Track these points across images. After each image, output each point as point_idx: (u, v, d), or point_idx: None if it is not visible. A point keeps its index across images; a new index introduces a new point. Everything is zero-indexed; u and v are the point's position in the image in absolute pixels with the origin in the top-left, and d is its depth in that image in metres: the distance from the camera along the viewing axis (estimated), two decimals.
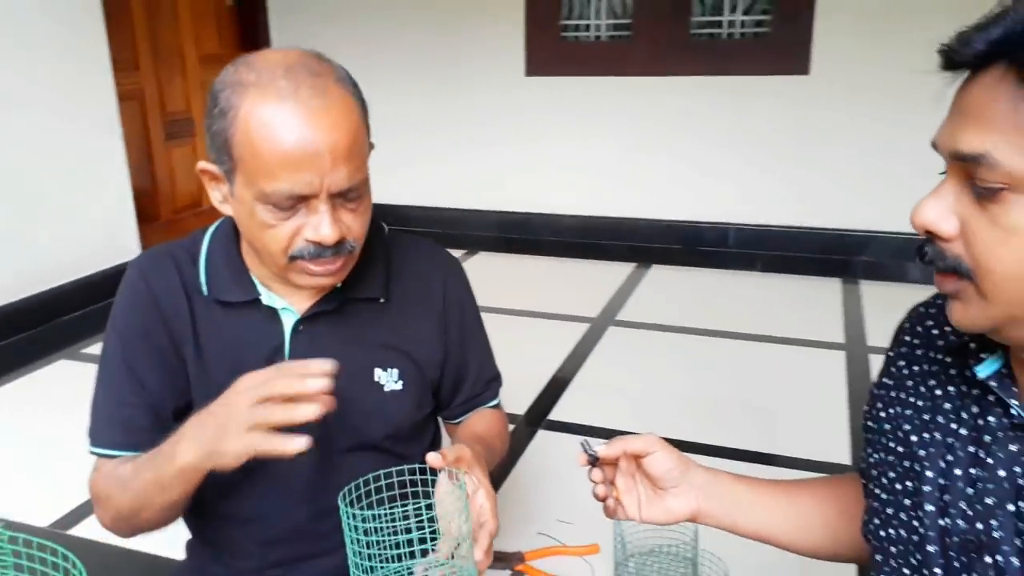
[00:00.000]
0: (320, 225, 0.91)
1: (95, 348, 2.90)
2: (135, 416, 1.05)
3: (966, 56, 0.61)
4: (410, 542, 0.87)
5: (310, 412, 0.83)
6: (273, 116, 0.87)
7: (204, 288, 1.05)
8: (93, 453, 1.06)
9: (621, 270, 3.67)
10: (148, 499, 0.97)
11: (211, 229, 1.09)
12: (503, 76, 3.92)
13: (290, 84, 0.87)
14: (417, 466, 0.92)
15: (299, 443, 0.82)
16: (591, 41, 3.85)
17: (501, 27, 3.86)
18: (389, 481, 0.91)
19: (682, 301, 3.28)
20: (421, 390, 1.14)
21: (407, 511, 0.87)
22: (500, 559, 1.61)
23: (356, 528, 0.82)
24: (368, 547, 0.83)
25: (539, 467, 1.98)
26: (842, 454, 2.02)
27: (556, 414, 2.29)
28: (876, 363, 2.04)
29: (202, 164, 0.97)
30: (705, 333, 2.93)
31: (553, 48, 3.84)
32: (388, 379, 1.09)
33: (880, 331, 2.79)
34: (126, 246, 3.31)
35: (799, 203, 3.65)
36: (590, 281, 3.53)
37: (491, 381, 1.24)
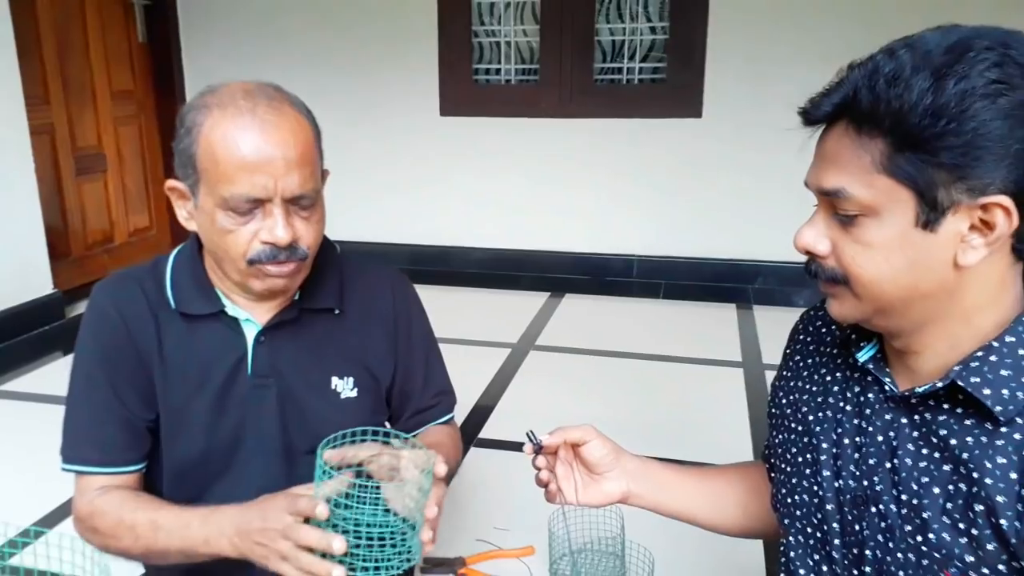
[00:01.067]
0: (275, 227, 1.00)
1: (10, 385, 2.82)
2: (109, 433, 1.10)
3: (818, 116, 0.77)
4: (363, 501, 0.94)
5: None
6: (232, 128, 0.97)
7: (172, 302, 1.10)
8: (67, 470, 1.10)
9: (536, 299, 3.82)
10: (166, 557, 1.03)
11: (175, 251, 1.16)
12: (419, 116, 4.03)
13: (248, 103, 0.98)
14: (391, 430, 1.01)
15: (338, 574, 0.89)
16: (501, 85, 4.02)
17: (416, 71, 3.98)
18: (364, 439, 0.99)
19: (594, 327, 3.45)
20: (376, 398, 1.21)
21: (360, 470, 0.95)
22: (442, 564, 1.69)
23: (328, 473, 0.91)
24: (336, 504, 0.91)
25: (474, 481, 2.09)
26: (745, 457, 2.18)
27: (486, 432, 2.40)
28: (771, 377, 2.24)
29: (170, 182, 1.06)
30: (617, 355, 3.10)
31: (466, 90, 3.99)
32: (344, 387, 1.16)
33: (773, 350, 3.01)
34: (38, 282, 3.23)
35: (696, 235, 3.87)
36: (508, 310, 3.66)
37: (441, 394, 1.30)
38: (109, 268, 3.79)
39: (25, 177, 3.17)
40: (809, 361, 0.99)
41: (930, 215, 0.72)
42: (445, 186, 4.11)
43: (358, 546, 0.91)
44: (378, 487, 0.96)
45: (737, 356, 3.09)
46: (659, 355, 3.10)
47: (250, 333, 1.12)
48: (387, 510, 0.97)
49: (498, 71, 4.02)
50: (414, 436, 1.28)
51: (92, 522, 1.07)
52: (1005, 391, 0.74)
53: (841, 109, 0.75)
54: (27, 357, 3.04)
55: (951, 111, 0.68)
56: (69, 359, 3.13)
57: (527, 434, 1.07)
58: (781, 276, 3.73)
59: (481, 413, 2.54)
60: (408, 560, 0.93)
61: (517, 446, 2.23)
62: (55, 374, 2.97)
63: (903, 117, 0.70)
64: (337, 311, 1.17)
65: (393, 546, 0.93)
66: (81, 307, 3.42)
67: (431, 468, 0.94)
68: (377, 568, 0.91)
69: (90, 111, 3.78)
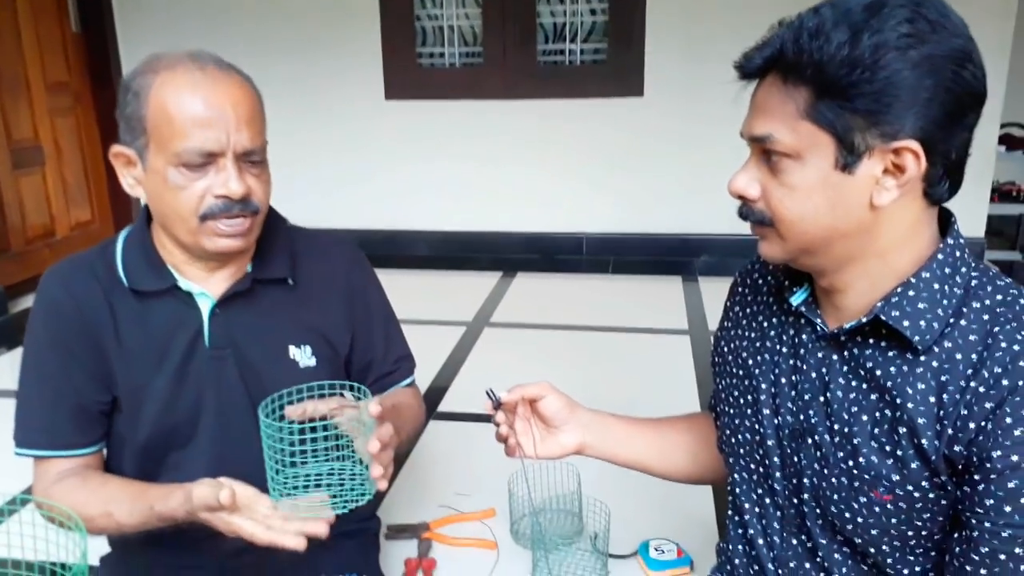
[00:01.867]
0: (228, 180, 1.02)
1: None
2: (59, 418, 1.11)
3: (751, 68, 0.84)
4: (316, 451, 0.98)
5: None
6: (184, 85, 1.00)
7: (124, 280, 1.11)
8: (20, 455, 1.12)
9: (488, 279, 3.87)
10: (134, 525, 1.06)
11: (124, 231, 1.17)
12: (364, 101, 4.03)
13: (196, 64, 1.02)
14: (326, 382, 1.04)
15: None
16: (445, 68, 4.03)
17: (360, 55, 3.97)
18: (303, 396, 1.02)
19: (547, 303, 3.52)
20: (334, 366, 1.22)
21: (315, 425, 0.98)
22: (407, 530, 1.73)
23: (271, 436, 0.94)
24: (281, 454, 0.95)
25: (434, 451, 2.13)
26: None
27: (444, 405, 2.45)
28: None
29: (115, 148, 1.07)
30: (569, 328, 3.17)
31: (410, 74, 3.99)
32: (302, 356, 1.18)
33: (718, 318, 3.12)
34: None
35: (643, 212, 3.96)
36: (460, 290, 3.70)
37: (401, 359, 1.33)
38: (51, 263, 3.70)
39: None
40: (748, 311, 1.06)
41: (848, 158, 0.79)
42: (393, 170, 4.12)
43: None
44: (326, 438, 1.00)
45: (684, 325, 3.19)
46: (609, 327, 3.18)
47: (204, 306, 1.13)
48: (339, 457, 1.02)
49: (442, 55, 4.03)
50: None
51: (57, 501, 1.07)
52: (922, 322, 0.81)
53: (770, 62, 0.82)
54: None
55: (865, 61, 0.75)
56: (11, 354, 3.08)
57: (486, 392, 1.11)
58: (725, 249, 3.84)
59: (440, 387, 2.58)
60: (362, 495, 0.98)
61: (476, 417, 2.31)
62: None
63: (823, 67, 0.77)
64: (290, 281, 1.19)
65: (341, 484, 0.99)
66: (24, 303, 3.36)
67: (366, 408, 0.97)
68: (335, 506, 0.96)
69: (24, 103, 3.68)
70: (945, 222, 0.88)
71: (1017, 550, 0.77)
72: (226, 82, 1.02)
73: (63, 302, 1.10)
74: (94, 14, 4.04)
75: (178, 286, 1.12)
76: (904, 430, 0.82)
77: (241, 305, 1.15)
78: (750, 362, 1.01)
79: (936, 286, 0.83)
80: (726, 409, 1.07)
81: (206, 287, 1.13)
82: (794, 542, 0.97)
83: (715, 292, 3.57)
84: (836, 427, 0.88)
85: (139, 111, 1.02)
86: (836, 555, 0.93)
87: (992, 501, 0.77)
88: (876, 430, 0.85)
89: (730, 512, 1.08)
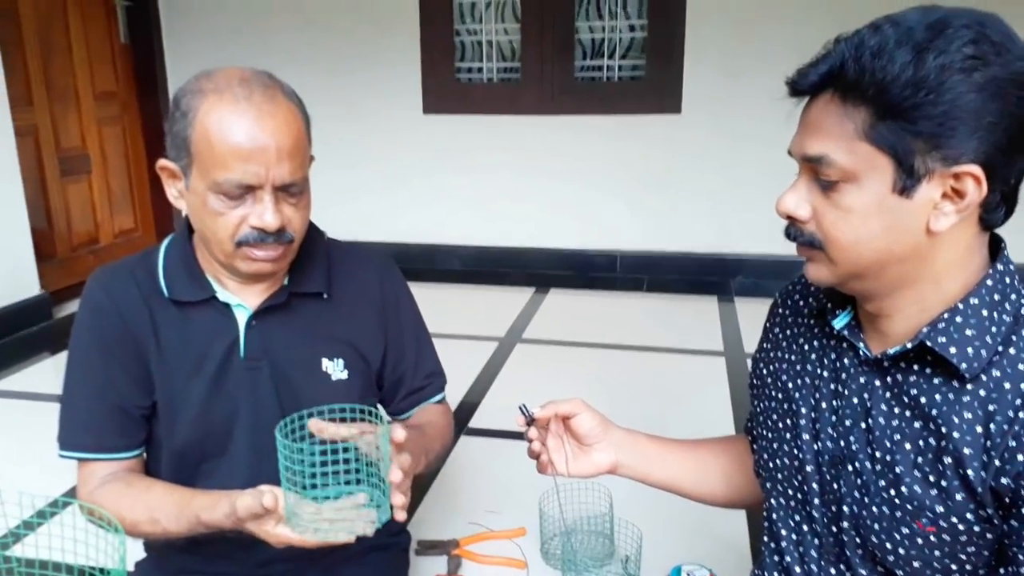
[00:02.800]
0: (264, 213, 1.03)
1: (0, 384, 2.83)
2: (103, 421, 1.13)
3: (805, 85, 0.81)
4: (336, 473, 0.98)
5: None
6: (228, 115, 1.00)
7: (164, 290, 1.13)
8: (64, 457, 1.13)
9: (521, 295, 3.85)
10: (175, 532, 1.07)
11: (166, 241, 1.19)
12: (402, 114, 4.06)
13: (244, 91, 1.02)
14: (346, 405, 1.03)
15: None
16: (483, 82, 4.06)
17: (399, 69, 4.01)
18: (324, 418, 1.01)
19: (580, 320, 3.49)
20: (366, 380, 1.23)
21: (334, 447, 0.98)
22: (437, 546, 1.73)
23: (288, 457, 0.93)
24: (296, 475, 0.94)
25: (465, 467, 2.13)
26: None
27: (476, 421, 2.44)
28: None
29: (162, 161, 1.09)
30: (602, 347, 3.15)
31: (448, 88, 4.02)
32: (335, 369, 1.19)
33: (754, 339, 3.08)
34: (25, 284, 3.24)
35: (678, 230, 3.93)
36: (493, 305, 3.70)
37: (432, 375, 1.34)
38: (95, 269, 3.78)
39: (11, 178, 3.18)
40: (788, 332, 1.04)
41: (907, 182, 0.77)
42: (429, 184, 4.14)
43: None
44: (345, 461, 0.99)
45: (719, 346, 3.14)
46: (643, 346, 3.15)
47: (241, 318, 1.15)
48: (356, 481, 1.01)
49: (480, 69, 4.06)
50: (407, 416, 1.32)
51: (102, 506, 1.09)
52: (970, 349, 0.79)
53: (827, 79, 0.80)
54: (15, 358, 3.04)
55: (930, 83, 0.73)
56: (56, 359, 3.15)
57: (520, 407, 1.10)
58: (761, 269, 3.79)
59: (471, 402, 2.58)
60: (375, 520, 0.97)
61: (507, 434, 2.30)
62: (43, 374, 2.98)
63: (886, 88, 0.75)
64: (325, 295, 1.20)
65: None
66: (68, 308, 3.44)
67: (387, 435, 0.97)
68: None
69: (73, 112, 3.78)
70: (995, 247, 0.86)
71: None
72: (271, 113, 1.01)
73: (105, 306, 1.12)
74: (142, 26, 4.14)
75: (216, 297, 1.14)
76: (949, 460, 0.80)
77: (277, 317, 1.16)
78: (790, 385, 0.99)
79: (985, 312, 0.80)
80: (764, 433, 1.05)
81: (243, 299, 1.15)
82: (832, 571, 0.95)
83: (751, 313, 3.52)
84: (878, 455, 0.86)
85: (184, 131, 1.03)
86: None
87: None
88: (920, 459, 0.82)
89: (765, 538, 1.06)
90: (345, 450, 0.99)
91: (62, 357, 3.03)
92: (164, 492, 1.10)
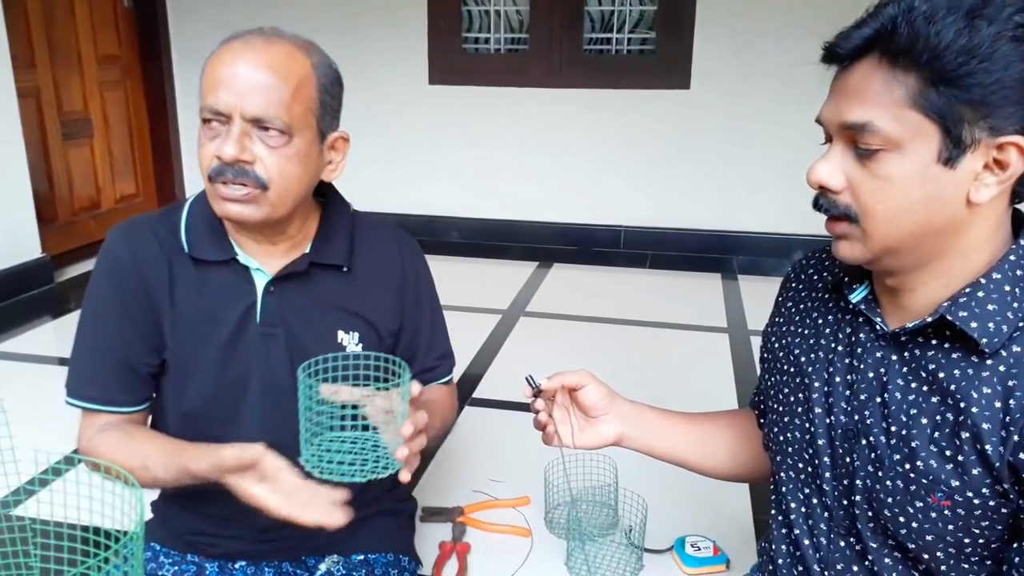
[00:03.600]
0: (225, 142, 1.01)
1: (2, 346, 2.83)
2: (109, 375, 1.13)
3: (847, 48, 0.79)
4: (353, 416, 0.99)
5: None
6: (223, 50, 1.03)
7: (185, 246, 1.12)
8: (69, 403, 1.14)
9: (525, 269, 3.85)
10: (169, 480, 1.07)
11: (192, 197, 1.18)
12: (408, 85, 4.03)
13: (250, 35, 1.04)
14: (372, 353, 1.04)
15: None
16: (490, 53, 4.02)
17: (405, 38, 3.98)
18: (348, 363, 1.02)
19: (583, 295, 3.50)
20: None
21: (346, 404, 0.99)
22: (442, 513, 1.74)
23: (309, 397, 0.95)
24: (318, 414, 0.96)
25: (469, 437, 2.14)
26: None
27: (480, 392, 2.45)
28: (756, 342, 2.31)
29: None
30: (606, 321, 3.15)
31: (455, 59, 3.99)
32: (350, 341, 1.19)
33: (758, 316, 3.08)
34: (27, 247, 3.23)
35: (683, 207, 3.93)
36: (497, 278, 3.70)
37: (443, 357, 1.34)
38: (96, 234, 3.78)
39: (13, 140, 3.15)
40: (801, 307, 1.04)
41: (952, 151, 0.76)
42: (433, 155, 4.12)
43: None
44: (355, 417, 1.00)
45: (723, 322, 3.15)
46: (647, 321, 3.16)
47: (260, 282, 1.14)
48: (368, 428, 1.01)
49: (487, 40, 4.02)
50: None
51: (98, 455, 1.09)
52: (991, 324, 0.79)
53: (873, 43, 0.78)
54: (16, 320, 3.04)
55: (983, 51, 0.72)
56: (57, 323, 3.14)
57: (526, 378, 1.10)
58: (766, 247, 3.79)
59: (475, 374, 2.58)
60: (385, 468, 0.97)
61: (511, 405, 2.31)
62: (44, 336, 2.98)
63: (940, 54, 0.73)
64: (345, 268, 1.19)
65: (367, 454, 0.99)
66: (69, 272, 3.43)
67: (407, 388, 0.97)
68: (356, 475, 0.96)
69: (76, 75, 3.74)
70: (1017, 222, 0.85)
71: None
72: (260, 48, 1.02)
73: (124, 260, 1.12)
74: None
75: (237, 259, 1.13)
76: (967, 435, 0.79)
77: (296, 286, 1.15)
78: (803, 359, 0.99)
79: (1007, 288, 0.80)
80: (774, 406, 1.05)
81: (264, 263, 1.14)
82: (842, 544, 0.96)
83: (755, 291, 3.52)
84: (893, 429, 0.86)
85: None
86: (887, 559, 0.91)
87: None
88: (936, 434, 0.82)
89: (773, 511, 1.06)
90: (355, 407, 1.00)
91: (63, 320, 3.07)
92: (160, 442, 1.11)
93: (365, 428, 1.02)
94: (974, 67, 0.73)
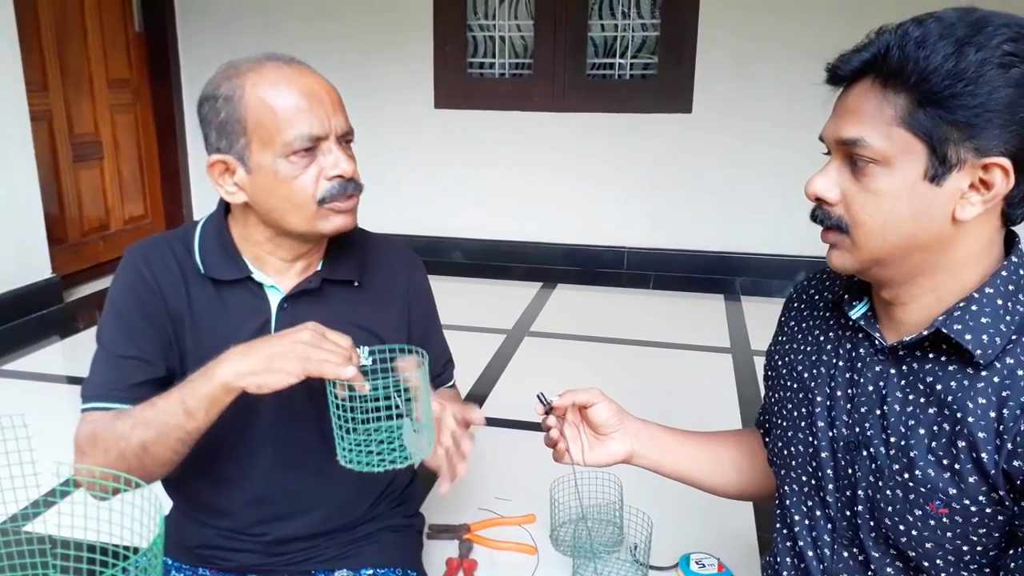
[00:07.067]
0: (339, 161, 1.07)
1: (10, 366, 2.85)
2: (129, 372, 1.11)
3: (846, 70, 0.84)
4: (378, 409, 1.01)
5: (352, 373, 0.98)
6: (279, 79, 1.05)
7: (200, 267, 1.14)
8: (85, 410, 1.11)
9: (528, 289, 3.88)
10: (164, 431, 1.01)
11: (202, 220, 1.20)
12: (414, 108, 4.08)
13: (278, 61, 1.08)
14: (386, 346, 1.07)
15: (350, 372, 0.97)
16: (495, 78, 4.08)
17: (412, 63, 4.03)
18: (375, 356, 1.05)
19: (587, 315, 3.52)
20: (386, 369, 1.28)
21: (378, 383, 1.00)
22: (448, 530, 1.75)
23: (336, 395, 0.97)
24: (348, 411, 0.98)
25: (475, 455, 2.09)
26: None
27: (485, 411, 2.38)
28: (759, 363, 2.33)
29: (212, 158, 1.09)
30: (610, 341, 3.17)
31: (460, 83, 4.04)
32: (360, 356, 1.18)
33: (761, 337, 3.09)
34: (37, 266, 3.26)
35: (686, 228, 3.96)
36: (501, 298, 3.72)
37: (447, 363, 1.39)
38: (105, 255, 3.82)
39: (25, 161, 3.19)
40: (803, 325, 1.06)
41: (938, 169, 0.80)
42: (439, 177, 4.17)
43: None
44: (388, 408, 1.02)
45: (726, 343, 3.16)
46: (651, 341, 3.18)
47: (274, 299, 1.17)
48: (398, 416, 1.03)
49: (492, 65, 4.08)
50: None
51: (88, 437, 1.07)
52: (985, 337, 0.81)
53: (869, 65, 0.82)
54: (26, 339, 3.07)
55: (969, 75, 0.76)
56: (66, 343, 3.15)
57: (538, 395, 1.12)
58: (768, 268, 3.81)
59: (480, 394, 2.60)
60: (407, 457, 1.00)
61: (516, 424, 2.32)
62: (53, 356, 3.00)
63: (927, 76, 0.77)
64: (356, 283, 1.22)
65: (391, 442, 1.01)
66: (77, 292, 3.47)
67: (426, 369, 1.00)
68: (381, 458, 0.98)
69: (87, 98, 3.80)
70: (1009, 241, 0.88)
71: None
72: (310, 72, 1.08)
73: (144, 275, 1.13)
74: (156, 14, 4.17)
75: (251, 277, 1.16)
76: (963, 444, 0.82)
77: (308, 302, 1.18)
78: (805, 375, 1.01)
79: (999, 302, 0.83)
80: (778, 422, 1.07)
81: (278, 282, 1.17)
82: (846, 555, 0.97)
83: (757, 311, 3.54)
84: (892, 440, 0.88)
85: (235, 114, 1.05)
86: (889, 568, 0.93)
87: None
88: (934, 443, 0.85)
89: (778, 524, 1.08)
90: (387, 397, 1.01)
91: (72, 340, 3.10)
92: (149, 401, 1.06)
93: (389, 419, 1.04)
94: (960, 90, 0.76)
